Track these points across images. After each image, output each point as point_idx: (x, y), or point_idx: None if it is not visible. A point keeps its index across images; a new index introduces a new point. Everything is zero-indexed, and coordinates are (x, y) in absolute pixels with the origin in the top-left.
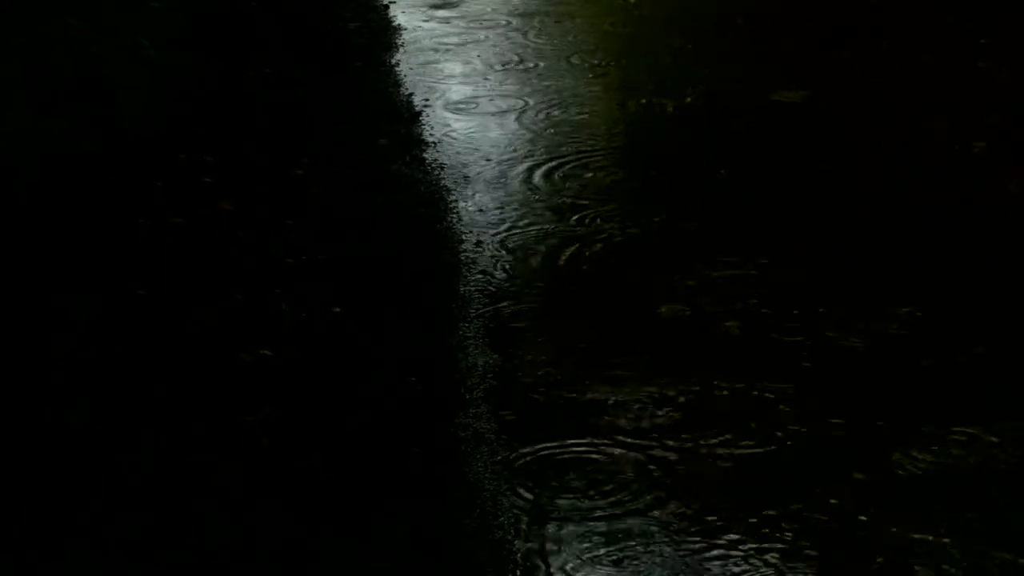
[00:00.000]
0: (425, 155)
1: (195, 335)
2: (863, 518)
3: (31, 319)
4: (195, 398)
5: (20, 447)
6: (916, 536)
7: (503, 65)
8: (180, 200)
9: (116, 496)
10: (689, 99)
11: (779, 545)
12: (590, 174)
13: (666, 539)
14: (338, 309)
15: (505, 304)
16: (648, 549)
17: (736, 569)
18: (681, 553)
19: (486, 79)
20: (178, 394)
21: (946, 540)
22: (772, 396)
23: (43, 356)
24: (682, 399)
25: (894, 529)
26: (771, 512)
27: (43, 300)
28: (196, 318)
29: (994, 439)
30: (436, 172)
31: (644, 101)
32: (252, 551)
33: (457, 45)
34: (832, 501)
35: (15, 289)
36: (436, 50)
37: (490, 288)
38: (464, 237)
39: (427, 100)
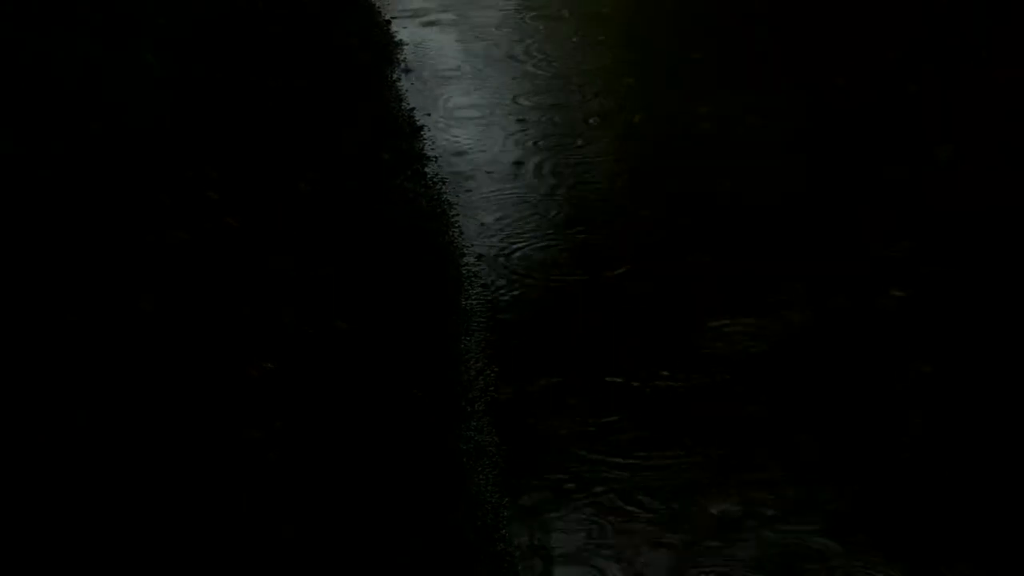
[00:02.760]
0: (427, 169)
1: (200, 350)
2: None
3: (36, 335)
4: (201, 412)
5: (24, 461)
6: None
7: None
8: (185, 215)
9: (120, 509)
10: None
11: None
12: (590, 187)
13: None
14: (342, 323)
15: (506, 317)
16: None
17: None
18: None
19: (486, 91)
20: (184, 408)
21: None
22: None
23: (47, 371)
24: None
25: None
26: None
27: (49, 316)
28: (201, 333)
29: None
30: (438, 186)
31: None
32: (257, 563)
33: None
34: None
35: (21, 304)
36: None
37: (491, 301)
38: (465, 251)
39: (429, 114)
